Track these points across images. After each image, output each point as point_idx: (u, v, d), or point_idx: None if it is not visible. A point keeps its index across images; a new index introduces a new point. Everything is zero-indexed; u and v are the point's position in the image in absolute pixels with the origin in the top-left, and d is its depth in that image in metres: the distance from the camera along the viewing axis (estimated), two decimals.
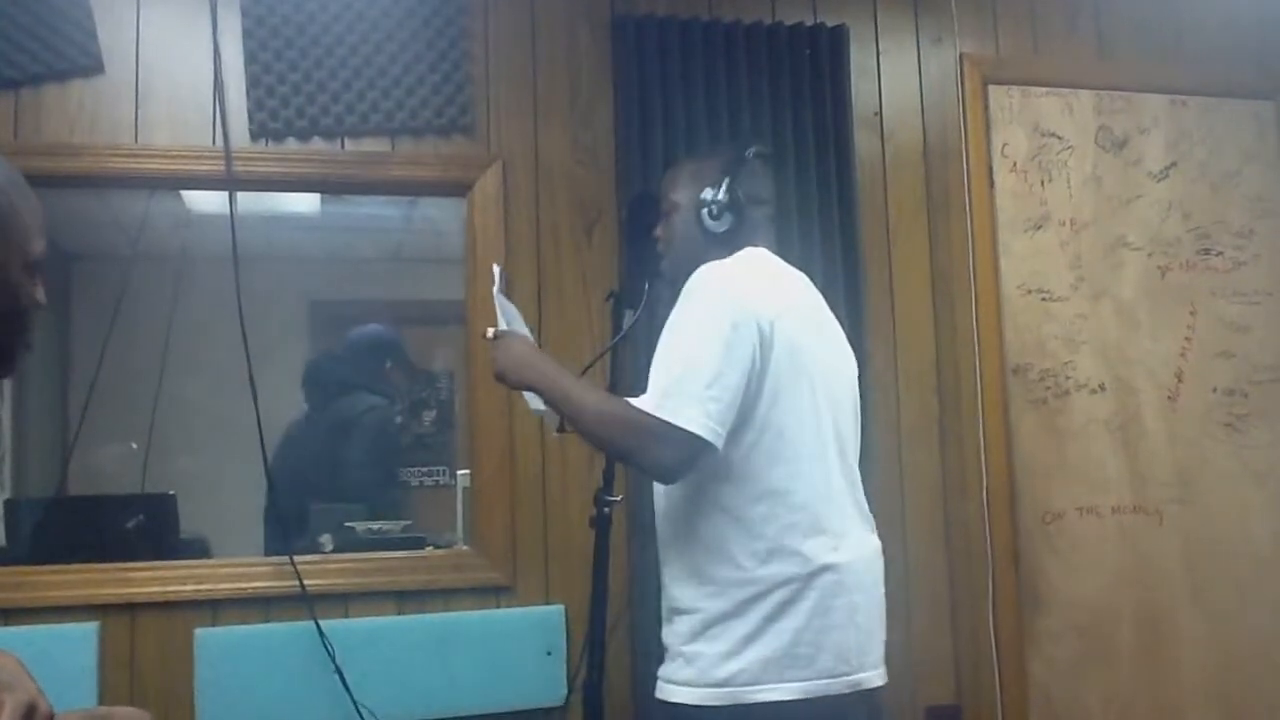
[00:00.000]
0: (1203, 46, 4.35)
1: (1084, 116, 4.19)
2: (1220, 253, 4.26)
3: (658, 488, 2.64)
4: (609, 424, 2.45)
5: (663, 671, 2.54)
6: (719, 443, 2.35)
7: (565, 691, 3.47)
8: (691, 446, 2.33)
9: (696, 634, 2.46)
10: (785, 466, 2.45)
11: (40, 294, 1.56)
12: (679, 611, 2.53)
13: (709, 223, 2.68)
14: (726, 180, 2.68)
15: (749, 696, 2.38)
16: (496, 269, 2.90)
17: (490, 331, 2.71)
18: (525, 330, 2.86)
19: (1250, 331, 4.26)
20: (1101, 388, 4.07)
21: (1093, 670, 3.95)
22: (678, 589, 2.54)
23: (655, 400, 2.36)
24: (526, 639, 3.51)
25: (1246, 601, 4.11)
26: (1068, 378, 4.04)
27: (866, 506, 2.65)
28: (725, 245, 2.66)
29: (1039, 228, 4.09)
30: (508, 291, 2.87)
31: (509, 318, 2.79)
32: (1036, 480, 3.98)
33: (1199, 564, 4.09)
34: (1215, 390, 4.20)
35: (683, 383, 2.36)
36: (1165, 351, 4.16)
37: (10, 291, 1.51)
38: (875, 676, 2.52)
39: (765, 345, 2.43)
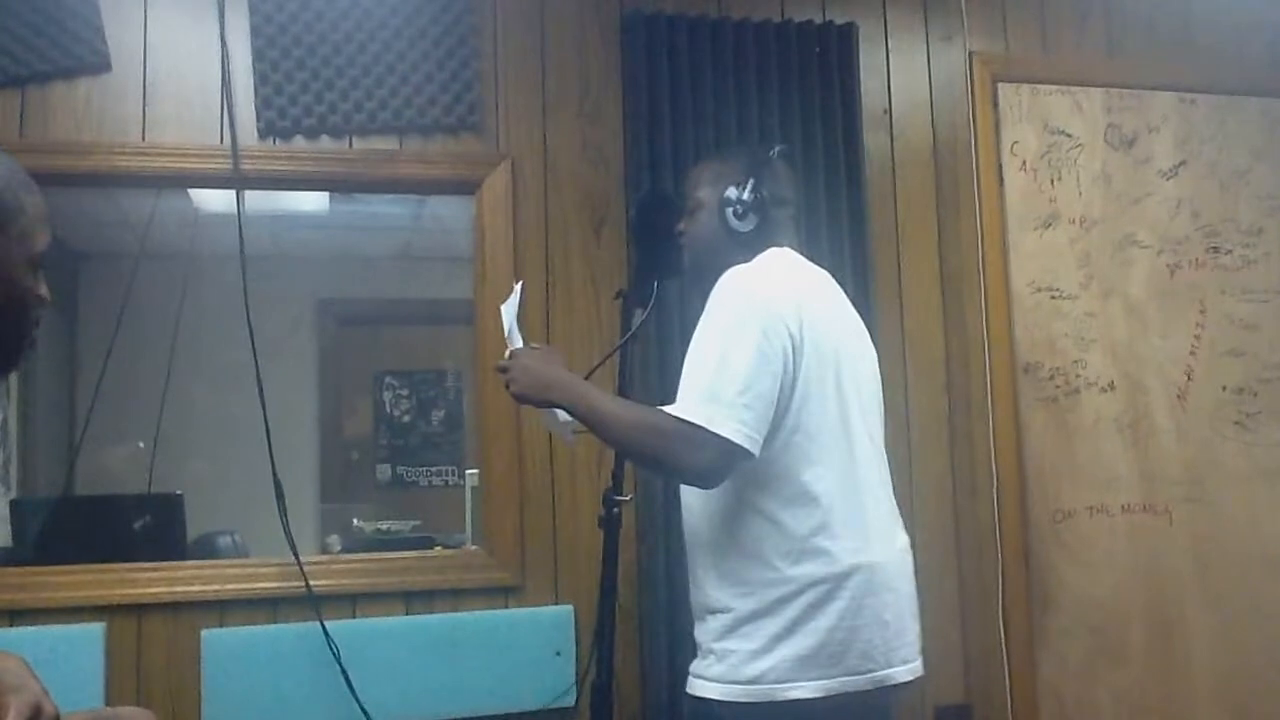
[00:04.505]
0: (1212, 44, 4.34)
1: (1093, 114, 4.18)
2: (1230, 251, 4.24)
3: (687, 490, 2.64)
4: (644, 433, 2.44)
5: (694, 667, 2.56)
6: (755, 449, 2.37)
7: (574, 692, 3.46)
8: (728, 452, 2.35)
9: (728, 632, 2.48)
10: (816, 468, 2.46)
11: (44, 289, 1.55)
12: (710, 610, 2.55)
13: (734, 222, 2.69)
14: (751, 180, 2.69)
15: (778, 694, 2.40)
16: (517, 287, 2.87)
17: (506, 353, 2.71)
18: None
19: (1260, 330, 4.24)
20: (1111, 386, 4.06)
21: (1103, 669, 3.93)
22: (710, 588, 2.55)
23: (689, 407, 2.37)
24: (535, 639, 3.49)
25: (1257, 600, 4.10)
26: (1078, 376, 4.03)
27: (895, 503, 2.67)
28: (749, 245, 2.67)
29: (1048, 226, 4.08)
30: (520, 309, 2.84)
31: (514, 338, 2.77)
32: (1046, 479, 3.97)
33: (1209, 563, 4.08)
34: (1225, 388, 4.18)
35: (716, 390, 2.37)
36: (1175, 350, 4.15)
37: (14, 287, 1.50)
38: (904, 672, 2.53)
39: (795, 349, 2.45)
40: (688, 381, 2.43)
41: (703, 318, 2.51)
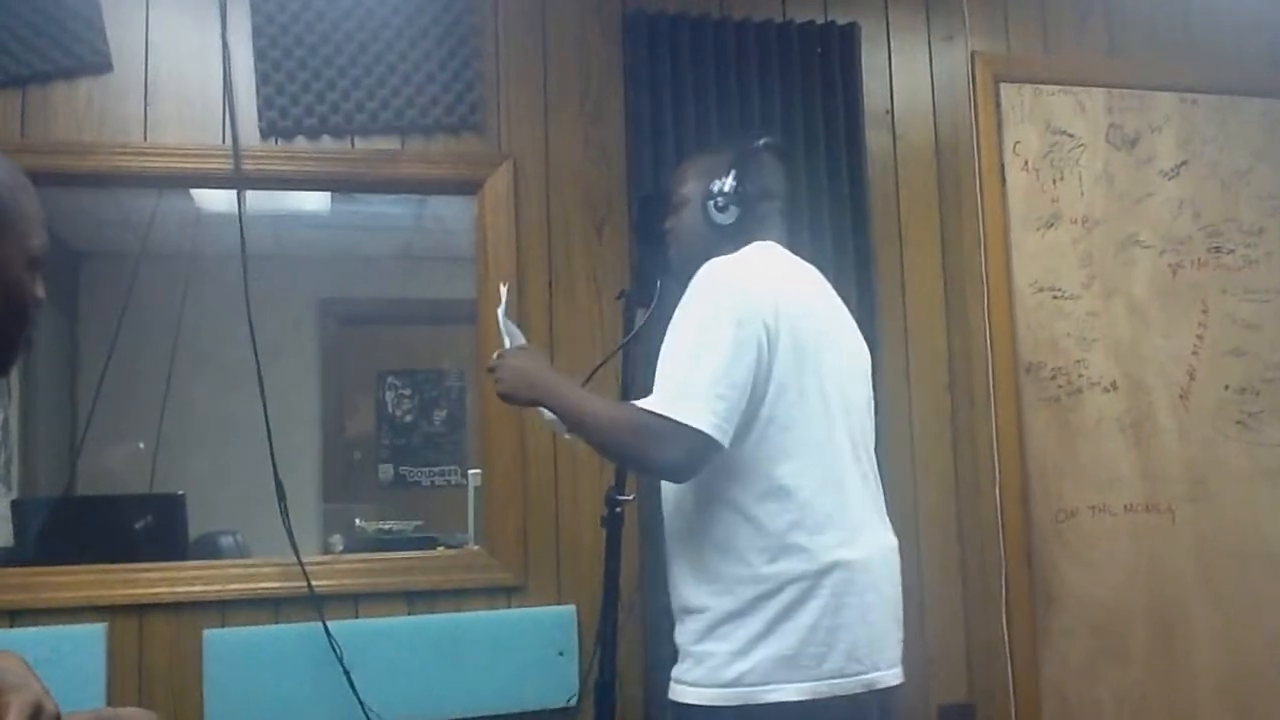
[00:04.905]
0: (1213, 44, 4.35)
1: (1095, 114, 4.18)
2: (1231, 250, 4.25)
3: (665, 486, 2.62)
4: (616, 429, 2.42)
5: (674, 672, 2.52)
6: (726, 440, 2.33)
7: (577, 692, 3.46)
8: (699, 444, 2.31)
9: (706, 633, 2.44)
10: (791, 462, 2.42)
11: (40, 290, 1.55)
12: (688, 611, 2.51)
13: (715, 215, 2.66)
14: (733, 172, 2.66)
15: (759, 697, 2.35)
16: (504, 289, 2.87)
17: (495, 355, 2.70)
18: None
19: (1262, 329, 4.24)
20: (1114, 386, 4.05)
21: (1106, 668, 3.93)
22: (686, 588, 2.52)
23: (660, 400, 2.35)
24: (538, 639, 3.49)
25: (1259, 599, 4.10)
26: (1080, 375, 4.03)
27: (883, 503, 2.63)
28: (732, 238, 2.64)
29: (1050, 226, 4.07)
30: (513, 309, 2.85)
31: (513, 339, 2.78)
32: (1049, 478, 3.97)
33: (1211, 562, 4.08)
34: (1227, 388, 4.18)
35: (688, 382, 2.34)
36: (1177, 349, 4.15)
37: (12, 288, 1.50)
38: (890, 676, 2.50)
39: (771, 341, 2.41)
40: (660, 374, 2.41)
41: (679, 308, 2.49)
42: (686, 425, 2.30)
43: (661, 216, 2.87)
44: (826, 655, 2.38)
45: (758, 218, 2.69)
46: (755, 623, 2.39)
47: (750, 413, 2.40)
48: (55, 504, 4.64)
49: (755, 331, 2.40)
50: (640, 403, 2.38)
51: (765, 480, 2.42)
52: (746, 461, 2.42)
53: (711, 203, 2.66)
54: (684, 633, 2.52)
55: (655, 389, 2.39)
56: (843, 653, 2.39)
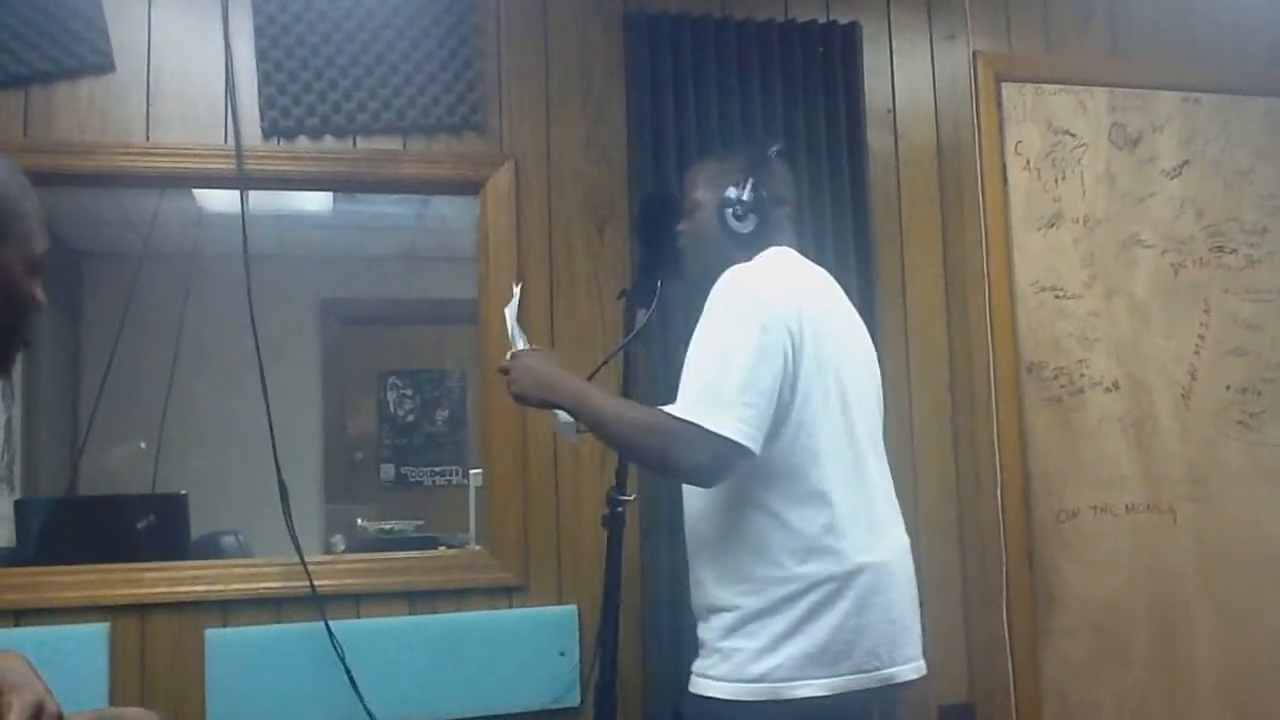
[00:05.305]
0: (1215, 44, 4.35)
1: (1097, 114, 4.18)
2: (1233, 250, 4.24)
3: (688, 491, 2.64)
4: (643, 433, 2.43)
5: (697, 666, 2.54)
6: (756, 446, 2.35)
7: (578, 692, 3.46)
8: (727, 451, 2.33)
9: (733, 630, 2.47)
10: (820, 467, 2.46)
11: (40, 293, 1.56)
12: (714, 610, 2.53)
13: (733, 223, 2.68)
14: (750, 180, 2.68)
15: (784, 692, 2.39)
16: (516, 289, 2.89)
17: (508, 355, 2.71)
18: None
19: (1263, 329, 4.24)
20: (1115, 385, 4.05)
21: (1107, 668, 3.93)
22: (714, 588, 2.54)
23: (688, 406, 2.36)
24: (539, 639, 3.49)
25: (1260, 599, 4.10)
26: (1081, 375, 4.03)
27: (896, 502, 2.67)
28: (749, 245, 2.67)
29: (1052, 225, 4.07)
30: (519, 308, 2.86)
31: (516, 339, 2.78)
32: (1050, 478, 3.97)
33: (1213, 562, 4.08)
34: (1229, 388, 4.18)
35: (715, 388, 2.36)
36: (1179, 349, 4.14)
37: (12, 291, 1.51)
38: (908, 671, 2.54)
39: (796, 347, 2.44)
40: (687, 380, 2.42)
41: (702, 316, 2.50)
42: (714, 432, 2.32)
43: (668, 217, 2.89)
44: (850, 653, 2.42)
45: (772, 224, 2.72)
46: (782, 621, 2.42)
47: (779, 418, 2.42)
48: (58, 504, 4.64)
49: (780, 338, 2.42)
50: (667, 407, 2.40)
51: (799, 484, 2.45)
52: (777, 466, 2.44)
53: (730, 211, 2.68)
54: (709, 629, 2.55)
55: (681, 394, 2.41)
56: (865, 650, 2.44)
